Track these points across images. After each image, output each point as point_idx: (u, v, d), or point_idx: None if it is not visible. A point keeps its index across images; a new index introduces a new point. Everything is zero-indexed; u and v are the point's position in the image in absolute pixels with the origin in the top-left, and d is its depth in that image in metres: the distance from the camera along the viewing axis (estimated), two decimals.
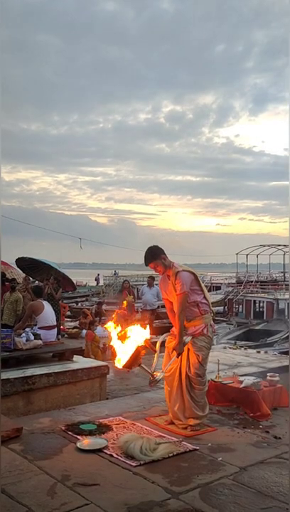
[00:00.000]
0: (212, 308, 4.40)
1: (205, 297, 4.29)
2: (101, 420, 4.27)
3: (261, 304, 23.33)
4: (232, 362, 7.17)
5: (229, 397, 4.87)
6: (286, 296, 22.06)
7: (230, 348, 8.94)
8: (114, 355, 4.24)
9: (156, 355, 4.26)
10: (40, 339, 5.90)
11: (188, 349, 4.16)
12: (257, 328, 19.75)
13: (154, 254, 4.19)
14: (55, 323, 6.72)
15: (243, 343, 14.04)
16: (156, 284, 11.71)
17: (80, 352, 7.13)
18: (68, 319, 14.63)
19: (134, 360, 3.99)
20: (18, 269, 12.28)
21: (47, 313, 6.49)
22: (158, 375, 4.06)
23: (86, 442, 3.69)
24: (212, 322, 4.30)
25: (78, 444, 3.65)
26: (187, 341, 4.11)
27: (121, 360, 4.08)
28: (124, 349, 4.07)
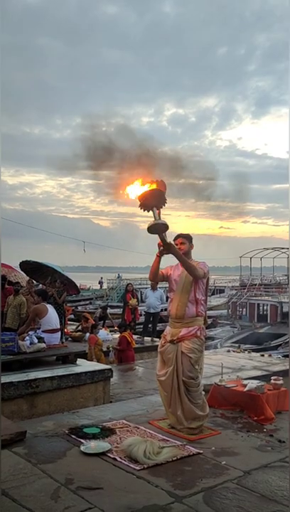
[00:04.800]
0: (206, 316, 4.41)
1: (204, 300, 4.35)
2: (104, 424, 4.27)
3: (265, 307, 23.27)
4: (235, 365, 7.15)
5: (233, 400, 4.86)
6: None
7: (234, 351, 8.92)
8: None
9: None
10: (44, 342, 5.91)
11: (181, 352, 4.16)
12: (261, 331, 19.67)
13: (190, 237, 4.45)
14: (58, 327, 6.72)
15: (247, 346, 13.99)
16: (160, 288, 11.72)
17: (84, 355, 7.14)
18: (71, 322, 14.62)
19: (151, 196, 3.99)
20: (22, 273, 12.29)
21: (51, 316, 6.49)
22: (163, 220, 4.01)
23: (90, 446, 3.69)
24: (203, 326, 4.30)
25: (82, 448, 3.66)
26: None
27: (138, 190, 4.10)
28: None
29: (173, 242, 4.26)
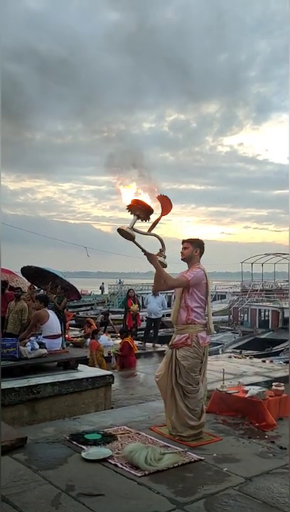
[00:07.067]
0: (209, 323, 4.28)
1: (200, 307, 4.21)
2: (106, 430, 4.25)
3: (267, 313, 23.27)
4: (237, 371, 7.13)
5: (235, 406, 4.84)
6: None
7: (235, 357, 8.89)
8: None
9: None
10: (45, 348, 5.91)
11: (176, 358, 4.15)
12: (262, 337, 19.65)
13: (197, 242, 4.39)
14: (60, 332, 6.73)
15: (248, 352, 13.96)
16: (161, 293, 11.72)
17: (85, 361, 7.13)
18: (72, 328, 14.63)
19: (144, 208, 4.21)
20: (24, 278, 12.31)
21: (52, 322, 6.50)
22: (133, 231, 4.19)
23: (91, 452, 3.68)
24: (201, 334, 4.17)
25: (83, 454, 3.64)
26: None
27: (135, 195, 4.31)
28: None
29: (155, 253, 4.33)
